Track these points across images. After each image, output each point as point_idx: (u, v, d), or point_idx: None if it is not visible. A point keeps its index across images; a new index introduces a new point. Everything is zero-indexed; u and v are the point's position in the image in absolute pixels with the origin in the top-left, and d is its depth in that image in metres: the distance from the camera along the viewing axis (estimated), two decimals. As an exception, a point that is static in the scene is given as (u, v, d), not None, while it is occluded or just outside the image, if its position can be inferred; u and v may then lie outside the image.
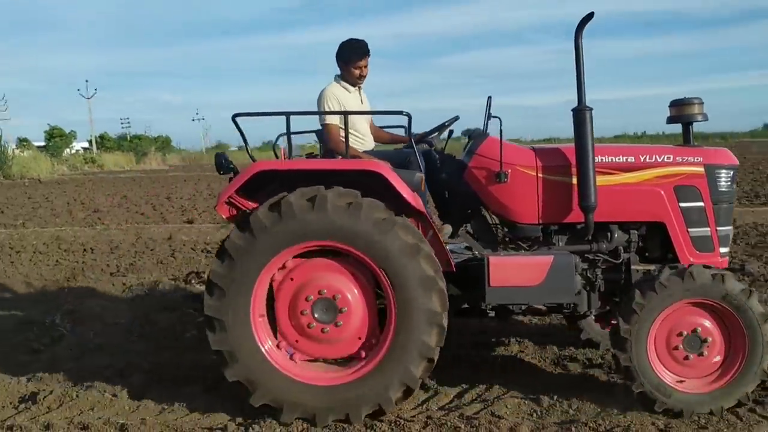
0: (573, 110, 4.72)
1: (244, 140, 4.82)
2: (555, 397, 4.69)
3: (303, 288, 4.37)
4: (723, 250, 4.95)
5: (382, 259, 4.22)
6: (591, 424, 4.26)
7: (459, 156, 5.27)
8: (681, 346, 4.43)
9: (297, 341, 4.43)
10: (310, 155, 5.50)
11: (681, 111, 4.98)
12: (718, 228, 4.90)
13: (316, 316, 4.35)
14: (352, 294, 4.38)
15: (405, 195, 4.33)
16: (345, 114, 4.71)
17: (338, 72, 5.27)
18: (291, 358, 4.44)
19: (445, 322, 4.31)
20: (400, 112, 4.66)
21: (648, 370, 4.40)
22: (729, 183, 4.94)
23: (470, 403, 4.70)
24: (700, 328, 4.41)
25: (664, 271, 4.41)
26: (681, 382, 4.46)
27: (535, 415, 4.50)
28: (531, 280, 4.61)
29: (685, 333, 4.42)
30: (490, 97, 5.15)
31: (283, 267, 4.41)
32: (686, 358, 4.43)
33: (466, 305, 4.88)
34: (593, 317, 5.58)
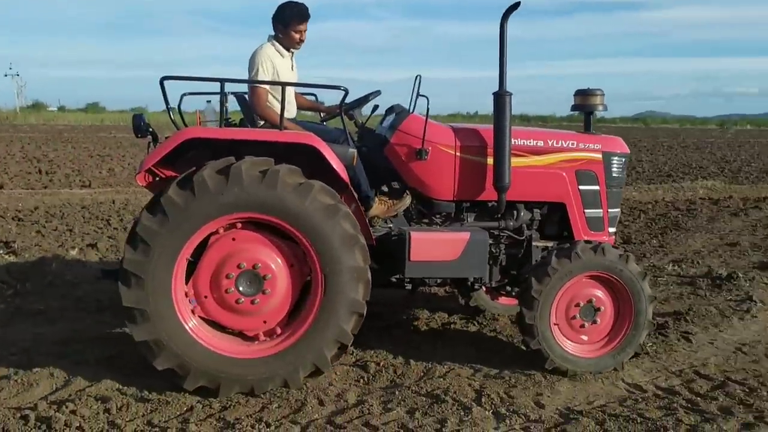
0: (494, 94, 4.90)
1: (167, 104, 4.49)
2: (381, 364, 4.91)
3: (227, 260, 4.27)
4: (611, 230, 5.42)
5: (303, 223, 4.20)
6: (414, 387, 4.51)
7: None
8: (578, 315, 4.81)
9: (206, 297, 4.32)
10: (228, 122, 5.12)
11: (584, 100, 5.37)
12: (609, 210, 5.36)
13: (240, 289, 4.29)
14: (275, 263, 4.33)
15: (337, 170, 4.35)
16: (283, 85, 4.49)
17: (272, 33, 5.02)
18: (192, 310, 4.33)
19: (369, 276, 4.37)
20: (338, 87, 4.57)
21: (547, 331, 4.73)
22: (621, 169, 5.39)
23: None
24: (595, 299, 4.82)
25: (579, 244, 4.79)
26: (574, 345, 4.86)
27: (362, 381, 4.66)
28: (449, 255, 4.77)
29: (585, 301, 4.81)
30: (419, 76, 5.19)
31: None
32: (580, 325, 4.83)
33: (385, 278, 4.92)
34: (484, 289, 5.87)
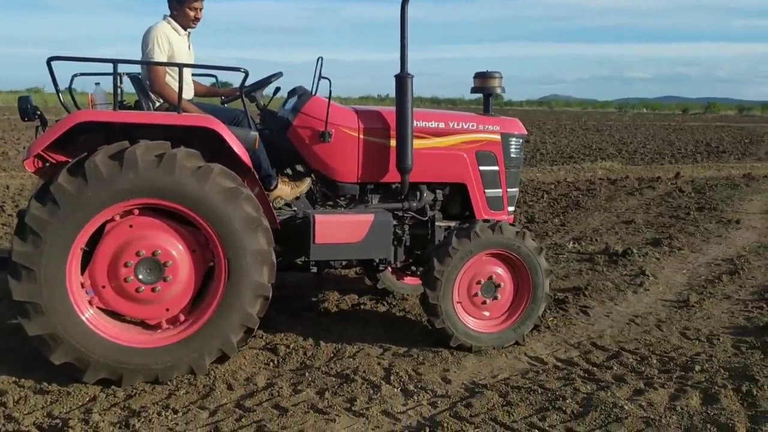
0: (396, 76, 4.90)
1: (56, 86, 4.24)
2: (291, 346, 4.90)
3: (125, 248, 4.15)
4: (510, 209, 5.57)
5: (203, 208, 4.12)
6: (324, 368, 4.54)
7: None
8: (479, 293, 4.96)
9: (104, 287, 4.19)
10: (122, 104, 4.94)
11: (484, 83, 5.45)
12: (508, 189, 5.49)
13: (140, 277, 4.18)
14: (176, 249, 4.25)
15: (239, 153, 4.29)
16: (180, 66, 4.32)
17: (168, 12, 4.85)
18: (89, 301, 4.19)
19: (274, 259, 4.33)
20: (238, 69, 4.50)
21: (450, 309, 4.86)
22: (518, 150, 5.53)
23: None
24: (495, 276, 4.97)
25: (478, 223, 4.91)
26: (477, 322, 5.01)
27: (272, 364, 4.65)
28: (353, 237, 4.79)
29: (486, 279, 4.95)
30: (320, 58, 5.10)
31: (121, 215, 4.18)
32: (482, 302, 4.98)
33: (290, 261, 4.89)
34: (389, 269, 5.90)
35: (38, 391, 4.09)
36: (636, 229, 9.71)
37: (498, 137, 5.40)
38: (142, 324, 4.34)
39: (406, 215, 5.25)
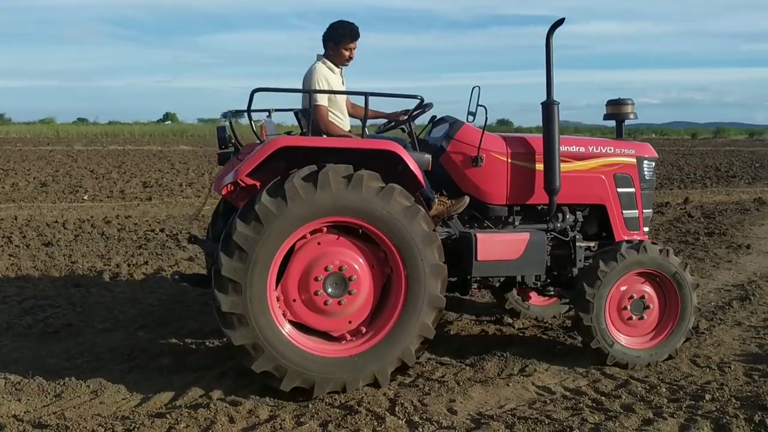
0: (542, 104, 5.28)
1: (249, 117, 4.67)
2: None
3: (314, 263, 4.50)
4: (645, 229, 5.78)
5: (387, 225, 4.45)
6: (327, 400, 4.48)
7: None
8: (629, 308, 5.20)
9: (294, 300, 4.52)
10: (289, 134, 5.39)
11: (617, 109, 5.80)
12: (644, 210, 5.74)
13: (329, 291, 4.51)
14: (359, 265, 4.58)
15: (417, 174, 4.62)
16: (366, 95, 4.66)
17: (322, 52, 5.32)
18: (283, 314, 4.51)
19: (446, 272, 4.64)
20: (414, 96, 4.93)
21: (605, 329, 5.11)
22: (651, 172, 5.82)
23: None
24: (645, 295, 5.23)
25: (623, 245, 5.19)
26: (627, 339, 5.25)
27: (274, 395, 4.58)
28: (512, 254, 5.10)
29: (635, 297, 5.21)
30: (477, 87, 5.43)
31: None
32: (630, 319, 5.22)
33: (451, 278, 5.01)
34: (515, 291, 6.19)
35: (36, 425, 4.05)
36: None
37: (633, 160, 5.68)
38: (326, 335, 4.63)
39: (549, 236, 5.43)
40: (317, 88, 5.08)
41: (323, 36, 5.31)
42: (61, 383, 4.62)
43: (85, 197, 15.09)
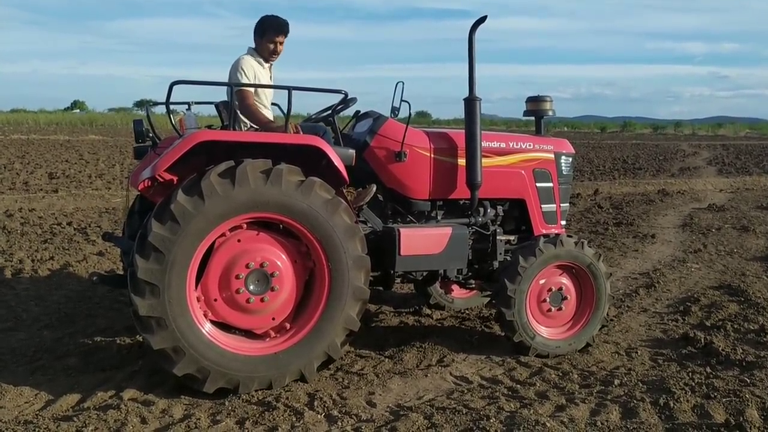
0: (465, 99, 5.32)
1: (168, 110, 4.50)
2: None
3: (235, 261, 4.39)
4: (563, 222, 5.95)
5: (308, 219, 4.40)
6: (244, 397, 4.39)
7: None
8: (548, 300, 5.33)
9: (215, 300, 4.41)
10: (209, 127, 5.39)
11: (537, 106, 5.95)
12: (561, 204, 5.89)
13: (251, 288, 4.42)
14: (281, 261, 4.50)
15: (341, 169, 4.58)
16: (289, 89, 4.54)
17: (252, 46, 5.26)
18: (204, 314, 4.40)
19: (369, 264, 4.63)
20: (339, 91, 4.89)
21: (526, 323, 5.22)
22: (569, 168, 5.98)
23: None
24: (563, 287, 5.37)
25: (540, 239, 5.30)
26: (547, 330, 5.38)
27: (189, 393, 4.46)
28: (434, 248, 5.12)
29: (553, 289, 5.34)
30: (401, 83, 5.36)
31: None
32: (549, 311, 5.36)
33: (374, 273, 5.02)
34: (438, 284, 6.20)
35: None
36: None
37: (552, 156, 5.83)
38: (249, 334, 4.55)
39: (471, 230, 5.48)
40: (243, 75, 5.03)
41: (254, 30, 5.26)
42: (-43, 388, 4.34)
43: (-15, 189, 14.23)
